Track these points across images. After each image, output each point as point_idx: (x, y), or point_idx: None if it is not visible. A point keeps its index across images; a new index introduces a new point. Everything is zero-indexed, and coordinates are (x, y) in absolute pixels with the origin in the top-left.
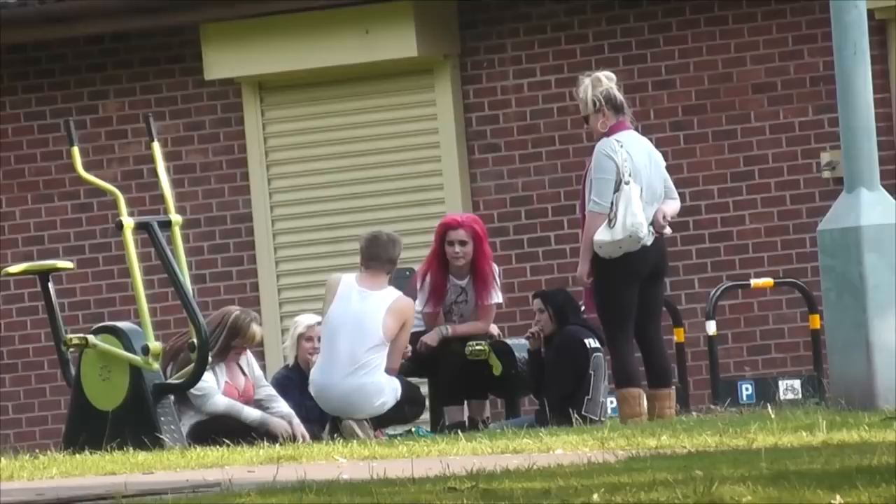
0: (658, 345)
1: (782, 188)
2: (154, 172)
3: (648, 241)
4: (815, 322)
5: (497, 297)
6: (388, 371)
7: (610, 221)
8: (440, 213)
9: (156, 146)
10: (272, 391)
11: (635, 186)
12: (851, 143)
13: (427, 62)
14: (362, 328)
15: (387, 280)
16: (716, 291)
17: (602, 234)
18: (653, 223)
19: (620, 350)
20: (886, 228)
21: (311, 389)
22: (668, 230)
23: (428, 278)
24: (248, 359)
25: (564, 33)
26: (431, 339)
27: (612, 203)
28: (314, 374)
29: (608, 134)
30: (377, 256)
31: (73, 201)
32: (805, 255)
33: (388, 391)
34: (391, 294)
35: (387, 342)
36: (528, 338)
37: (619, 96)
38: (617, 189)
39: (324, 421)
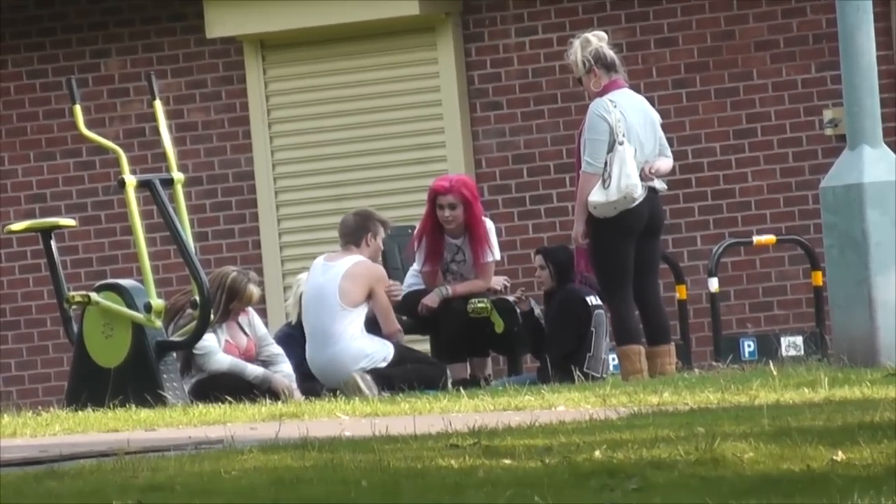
0: (656, 301)
1: (785, 145)
2: (156, 130)
3: (641, 197)
4: (818, 279)
5: (493, 254)
6: (388, 335)
7: (604, 182)
8: (442, 171)
9: (157, 104)
10: (277, 349)
11: (629, 146)
12: (854, 101)
13: (429, 20)
14: (322, 299)
15: (357, 251)
16: (718, 248)
17: (596, 195)
18: (641, 176)
19: (619, 308)
20: (889, 185)
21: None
22: (661, 185)
23: (424, 239)
24: (252, 318)
25: None
26: (432, 300)
27: (606, 163)
28: (306, 348)
29: (602, 93)
30: (343, 234)
31: (75, 159)
32: (807, 212)
33: (369, 355)
34: (349, 260)
35: (348, 307)
36: (514, 303)
37: (610, 54)
38: (611, 149)
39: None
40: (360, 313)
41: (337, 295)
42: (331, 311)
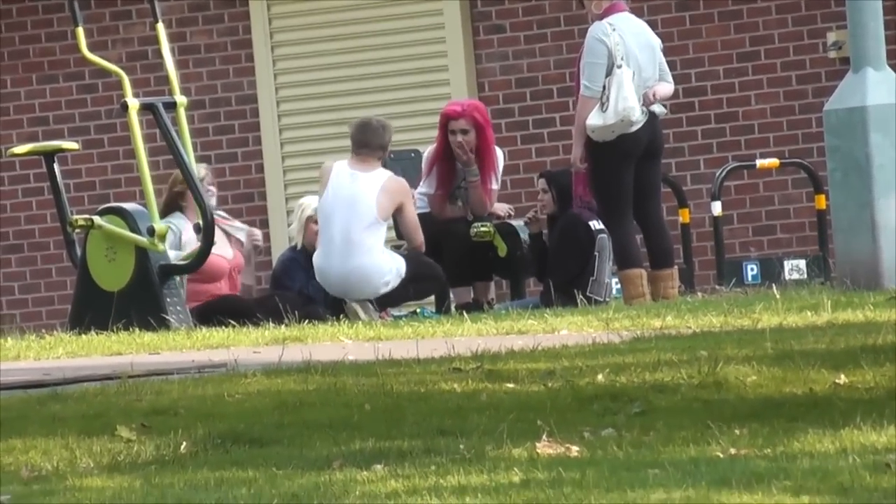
0: (659, 224)
1: (788, 68)
2: (158, 53)
3: (640, 121)
4: (821, 202)
5: (495, 182)
6: (414, 248)
7: (602, 105)
8: (445, 95)
9: (160, 27)
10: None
11: (627, 70)
12: (858, 23)
13: None
14: (355, 208)
15: (379, 165)
16: (721, 172)
17: (594, 119)
18: (643, 101)
19: (620, 232)
20: (892, 108)
21: (316, 274)
22: (660, 109)
23: (435, 167)
24: (236, 225)
25: None
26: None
27: (604, 87)
28: (315, 259)
29: (602, 17)
30: (367, 143)
31: (77, 82)
32: (811, 136)
33: (390, 270)
34: (382, 174)
35: (381, 220)
36: (526, 222)
37: None
38: (609, 73)
39: (329, 302)
40: (385, 228)
41: (375, 207)
42: (364, 222)
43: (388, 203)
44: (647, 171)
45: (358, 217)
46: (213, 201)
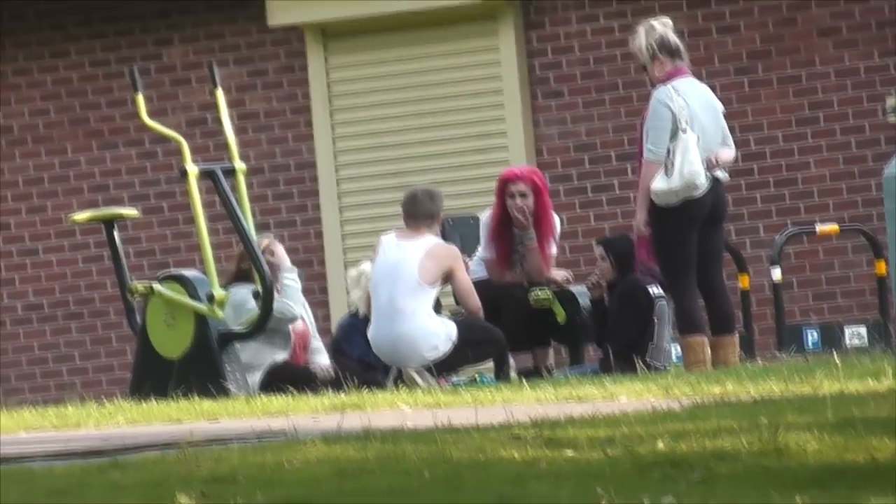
0: (721, 290)
1: (847, 133)
2: (218, 120)
3: (705, 186)
4: (881, 268)
5: (552, 248)
6: (471, 313)
7: (667, 170)
8: (503, 160)
9: (219, 93)
10: (320, 344)
11: (692, 134)
12: None
13: (490, 7)
14: (398, 274)
15: (430, 233)
16: (781, 237)
17: (659, 183)
18: (706, 166)
19: (683, 297)
20: None
21: (370, 342)
22: (723, 174)
23: (493, 232)
24: (305, 305)
25: None
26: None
27: (668, 151)
28: (369, 329)
29: (665, 80)
30: (414, 214)
31: (137, 149)
32: (870, 201)
33: (438, 335)
34: (429, 241)
35: (425, 285)
36: (588, 287)
37: (674, 40)
38: (674, 137)
39: (388, 369)
40: (434, 293)
41: (416, 271)
42: (408, 287)
43: (434, 268)
44: (709, 236)
45: (401, 283)
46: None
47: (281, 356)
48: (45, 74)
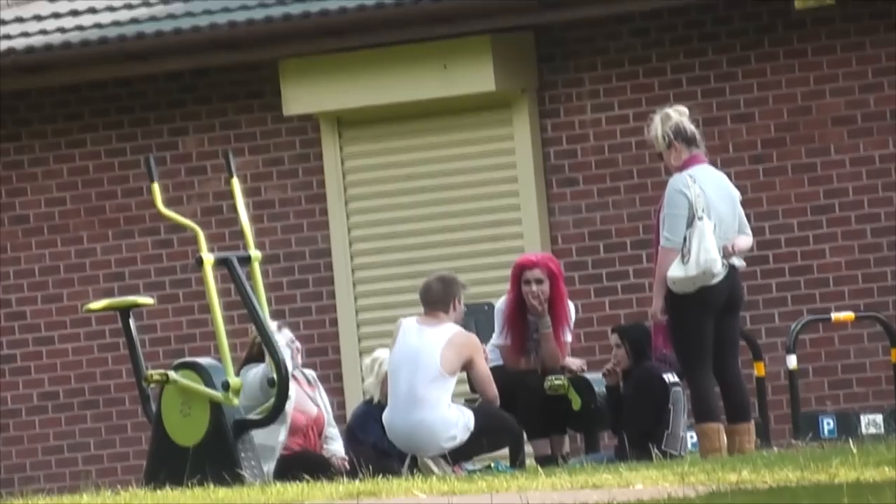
0: (737, 378)
1: (863, 221)
2: (233, 208)
3: (722, 274)
4: None
5: (568, 335)
6: (488, 402)
7: (683, 257)
8: (518, 248)
9: (235, 182)
10: (335, 431)
11: (709, 222)
12: None
13: (505, 96)
14: (419, 362)
15: (448, 319)
16: (796, 325)
17: (675, 271)
18: (723, 254)
19: (699, 384)
20: None
21: (386, 428)
22: (740, 262)
23: (507, 319)
24: (320, 391)
25: (642, 66)
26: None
27: (685, 239)
28: (385, 413)
29: (682, 168)
30: (432, 301)
31: (153, 237)
32: (886, 289)
33: (456, 424)
34: (450, 329)
35: (446, 374)
36: (604, 374)
37: (690, 128)
38: (690, 224)
39: (403, 456)
40: (453, 381)
41: (438, 360)
42: (429, 376)
43: (455, 357)
44: (725, 324)
45: (422, 371)
46: (298, 359)
47: (283, 436)
48: (61, 164)
